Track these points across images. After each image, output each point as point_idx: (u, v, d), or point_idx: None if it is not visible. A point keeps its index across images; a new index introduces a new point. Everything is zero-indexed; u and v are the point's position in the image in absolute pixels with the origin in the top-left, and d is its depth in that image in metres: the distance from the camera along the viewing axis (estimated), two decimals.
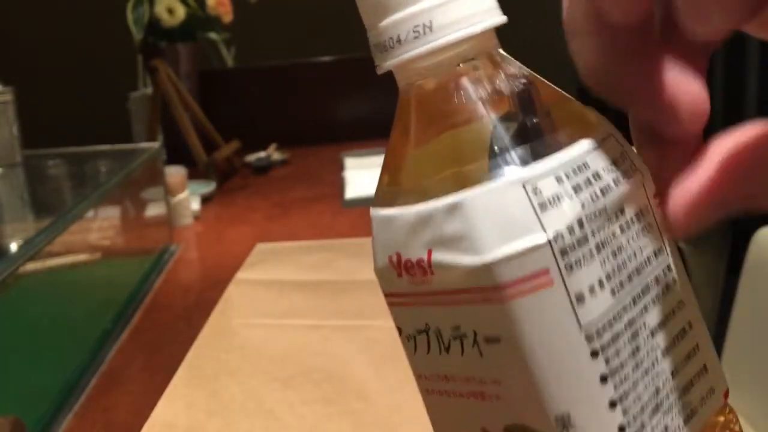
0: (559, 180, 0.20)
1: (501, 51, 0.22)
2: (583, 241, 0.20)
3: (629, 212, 0.21)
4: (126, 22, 1.37)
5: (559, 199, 0.20)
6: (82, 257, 0.78)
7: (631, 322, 0.20)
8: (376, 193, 0.23)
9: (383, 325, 0.68)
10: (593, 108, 0.23)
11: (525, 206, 0.19)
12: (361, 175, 1.30)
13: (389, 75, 0.23)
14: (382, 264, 0.22)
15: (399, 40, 0.21)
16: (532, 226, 0.19)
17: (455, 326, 0.21)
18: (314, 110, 1.70)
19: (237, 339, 0.69)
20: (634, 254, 0.21)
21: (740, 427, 0.24)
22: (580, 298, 0.19)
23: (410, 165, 0.23)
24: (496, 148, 0.20)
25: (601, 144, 0.21)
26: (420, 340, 0.22)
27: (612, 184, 0.21)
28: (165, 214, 1.05)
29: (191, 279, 0.94)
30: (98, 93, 1.74)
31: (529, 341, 0.19)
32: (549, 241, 0.19)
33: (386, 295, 0.23)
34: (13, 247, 0.67)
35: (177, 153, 1.29)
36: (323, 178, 1.37)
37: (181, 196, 1.10)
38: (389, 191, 0.22)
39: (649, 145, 0.22)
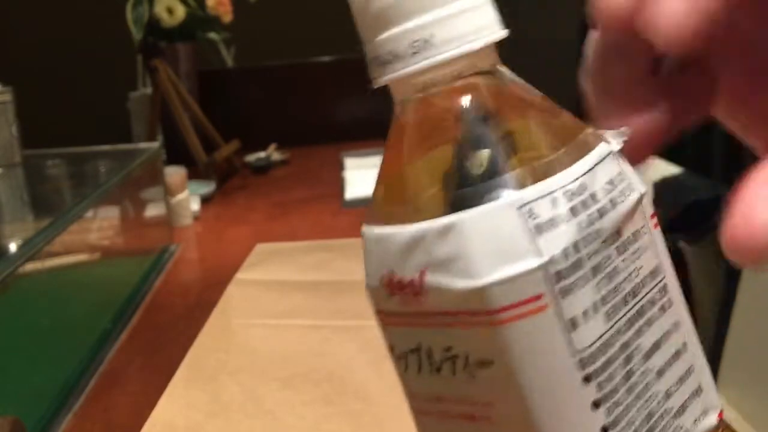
0: (554, 203, 0.20)
1: (500, 67, 0.22)
2: (578, 264, 0.19)
3: (626, 233, 0.21)
4: (126, 22, 1.37)
5: (554, 222, 0.19)
6: (81, 257, 0.78)
7: (625, 346, 0.20)
8: (368, 208, 0.23)
9: None
10: (592, 124, 0.23)
11: (520, 229, 0.19)
12: (361, 175, 1.30)
13: None
14: (374, 283, 0.22)
15: (397, 55, 0.21)
16: (526, 250, 0.19)
17: (447, 347, 0.21)
18: (314, 110, 1.70)
19: (237, 339, 0.69)
20: (630, 276, 0.21)
21: None
22: (575, 324, 0.19)
23: (403, 180, 0.22)
24: (490, 169, 0.20)
25: (599, 164, 0.21)
26: (411, 360, 0.22)
27: (608, 205, 0.20)
28: (165, 214, 1.05)
29: (191, 279, 0.94)
30: (98, 93, 1.74)
31: (521, 366, 0.19)
32: (544, 266, 0.19)
33: (377, 313, 0.22)
34: (13, 247, 0.67)
35: (177, 153, 1.29)
36: (323, 178, 1.37)
37: (181, 196, 1.10)
38: (382, 208, 0.22)
39: (613, 61, 0.22)
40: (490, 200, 0.19)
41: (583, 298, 0.19)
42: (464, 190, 0.20)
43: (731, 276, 1.23)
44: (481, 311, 0.19)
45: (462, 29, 0.21)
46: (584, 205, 0.20)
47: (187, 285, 0.91)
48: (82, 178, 1.01)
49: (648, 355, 0.21)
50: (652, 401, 0.21)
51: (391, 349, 0.23)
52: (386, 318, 0.22)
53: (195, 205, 1.15)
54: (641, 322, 0.21)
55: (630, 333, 0.20)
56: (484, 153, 0.20)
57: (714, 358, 1.19)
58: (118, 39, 1.47)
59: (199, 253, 1.03)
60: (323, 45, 1.72)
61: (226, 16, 1.47)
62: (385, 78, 0.21)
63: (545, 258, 0.19)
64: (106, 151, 1.04)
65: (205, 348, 0.67)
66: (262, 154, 1.49)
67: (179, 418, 0.56)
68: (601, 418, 0.19)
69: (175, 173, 1.10)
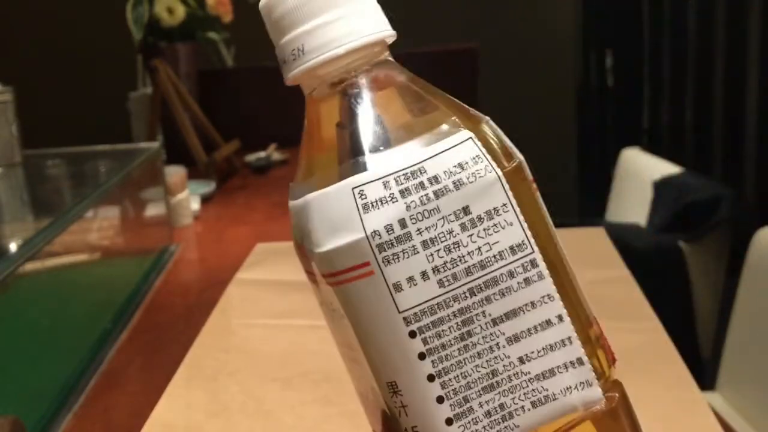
0: (386, 185, 0.23)
1: (385, 59, 0.25)
2: (404, 238, 0.23)
3: (476, 211, 0.23)
4: (126, 22, 1.37)
5: (382, 202, 0.23)
6: (82, 257, 0.78)
7: (463, 310, 0.23)
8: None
9: None
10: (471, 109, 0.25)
11: (351, 207, 0.23)
12: None
13: None
14: (294, 247, 0.27)
15: (285, 61, 0.25)
16: (354, 225, 0.23)
17: (329, 302, 0.25)
18: None
19: (237, 339, 0.69)
20: (479, 250, 0.23)
21: (631, 426, 0.25)
22: (398, 287, 0.23)
23: (299, 165, 0.27)
24: (345, 156, 0.24)
25: (450, 149, 0.24)
26: (324, 310, 0.27)
27: (450, 187, 0.23)
28: (165, 214, 1.05)
29: (191, 279, 0.94)
30: (98, 93, 1.74)
31: (358, 320, 0.23)
32: (367, 238, 0.23)
33: (305, 272, 0.27)
34: (13, 247, 0.67)
35: (177, 153, 1.29)
36: None
37: (181, 196, 1.10)
38: (293, 185, 0.27)
39: None
40: (335, 182, 0.24)
41: (409, 266, 0.23)
42: (327, 173, 0.24)
43: (731, 275, 1.23)
44: (327, 273, 0.24)
45: (328, 37, 0.24)
46: (420, 186, 0.23)
47: (187, 285, 0.91)
48: (82, 178, 1.01)
49: (497, 320, 0.23)
50: (498, 362, 0.23)
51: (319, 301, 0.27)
52: (307, 275, 0.27)
53: (195, 205, 1.15)
54: (491, 291, 0.23)
55: (472, 300, 0.23)
56: (345, 142, 0.24)
57: (714, 357, 1.19)
58: (118, 39, 1.47)
59: (199, 253, 1.03)
60: None
61: (226, 16, 1.46)
62: (285, 77, 0.26)
63: (368, 232, 0.23)
64: (106, 151, 1.04)
65: (205, 348, 0.67)
66: (262, 154, 1.49)
67: (179, 418, 0.56)
68: (427, 367, 0.23)
69: (175, 173, 1.10)
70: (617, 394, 0.25)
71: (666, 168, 1.49)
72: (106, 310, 0.78)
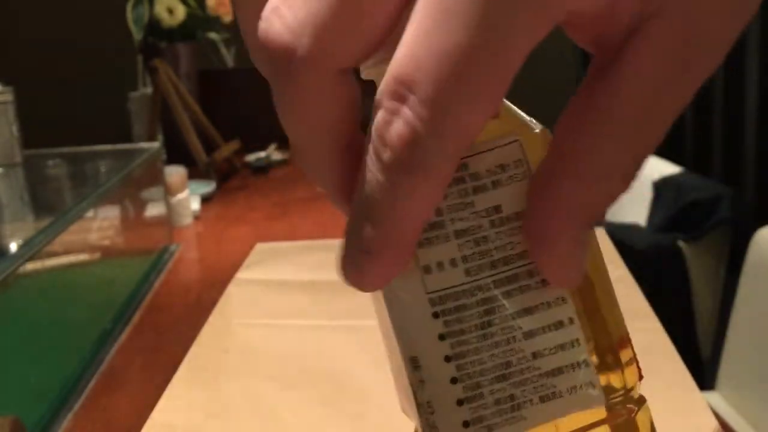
0: None
1: None
2: (438, 225, 0.24)
3: (507, 211, 0.24)
4: (126, 22, 1.37)
5: None
6: (82, 257, 0.78)
7: (486, 300, 0.24)
8: None
9: None
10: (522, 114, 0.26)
11: None
12: None
13: None
14: None
15: None
16: None
17: None
18: None
19: (237, 339, 0.69)
20: (504, 246, 0.24)
21: (646, 426, 0.26)
22: (428, 270, 0.24)
23: None
24: None
25: (494, 149, 0.24)
26: None
27: (488, 185, 0.24)
28: (165, 214, 1.05)
29: (191, 279, 0.94)
30: (98, 93, 1.74)
31: (387, 294, 0.24)
32: None
33: None
34: (13, 247, 0.67)
35: (177, 153, 1.29)
36: None
37: (181, 196, 1.10)
38: None
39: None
40: None
41: (440, 252, 0.24)
42: None
43: (731, 275, 1.23)
44: None
45: None
46: (460, 180, 0.24)
47: (187, 285, 0.91)
48: (82, 178, 1.01)
49: (516, 315, 0.24)
50: (512, 354, 0.24)
51: None
52: None
53: (195, 205, 1.15)
54: (512, 286, 0.24)
55: (495, 292, 0.24)
56: None
57: (714, 357, 1.19)
58: (118, 39, 1.47)
59: (199, 253, 1.03)
60: None
61: (227, 16, 1.47)
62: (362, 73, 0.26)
63: None
64: (106, 151, 1.04)
65: (205, 348, 0.67)
66: (262, 154, 1.49)
67: (179, 419, 0.56)
68: (445, 348, 0.24)
69: (175, 173, 1.10)
70: (636, 407, 0.26)
71: (666, 168, 1.49)
72: (106, 310, 0.78)
